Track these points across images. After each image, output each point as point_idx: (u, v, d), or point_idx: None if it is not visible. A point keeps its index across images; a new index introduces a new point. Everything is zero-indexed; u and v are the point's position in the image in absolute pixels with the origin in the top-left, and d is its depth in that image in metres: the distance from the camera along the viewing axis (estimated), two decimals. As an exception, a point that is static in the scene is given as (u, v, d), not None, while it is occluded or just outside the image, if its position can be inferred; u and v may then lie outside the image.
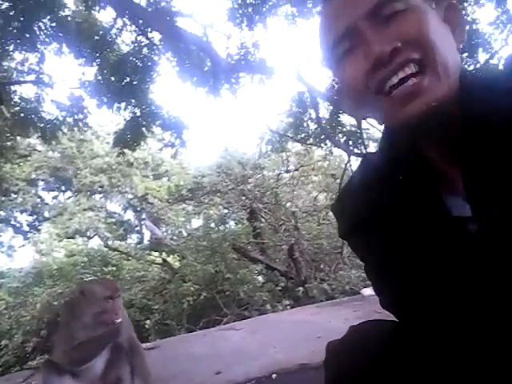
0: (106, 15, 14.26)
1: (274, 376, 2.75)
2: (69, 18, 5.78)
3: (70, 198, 15.75)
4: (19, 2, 5.00)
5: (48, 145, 9.10)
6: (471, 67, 5.09)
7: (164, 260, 10.53)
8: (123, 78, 6.07)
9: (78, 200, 14.59)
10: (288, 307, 7.59)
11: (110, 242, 13.71)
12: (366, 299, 5.18)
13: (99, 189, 14.67)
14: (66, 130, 6.64)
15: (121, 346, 2.28)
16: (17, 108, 6.24)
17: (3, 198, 12.96)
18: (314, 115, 7.28)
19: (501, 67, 0.72)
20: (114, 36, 6.10)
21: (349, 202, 0.88)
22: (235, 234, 10.67)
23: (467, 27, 4.83)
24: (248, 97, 19.04)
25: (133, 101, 6.33)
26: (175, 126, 6.57)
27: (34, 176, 14.43)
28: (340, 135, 7.29)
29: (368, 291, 5.35)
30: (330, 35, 0.71)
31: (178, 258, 10.49)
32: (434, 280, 0.70)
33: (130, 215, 16.63)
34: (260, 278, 9.08)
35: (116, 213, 16.31)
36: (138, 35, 6.11)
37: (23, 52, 5.70)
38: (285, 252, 9.73)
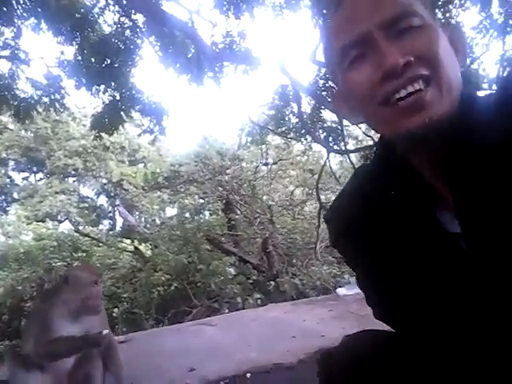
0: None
1: (248, 375, 2.74)
2: (49, -7, 5.54)
3: (41, 179, 15.42)
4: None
5: (21, 124, 8.85)
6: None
7: (136, 248, 10.39)
8: (104, 60, 5.90)
9: (50, 182, 14.29)
10: (259, 301, 7.59)
11: (81, 227, 13.45)
12: (340, 299, 5.22)
13: (73, 172, 14.38)
14: (41, 110, 6.41)
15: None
16: (-11, 83, 5.97)
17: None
18: (295, 109, 7.29)
19: (500, 89, 0.73)
20: (96, 15, 5.88)
21: (342, 212, 0.88)
22: (210, 225, 10.59)
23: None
24: (231, 87, 18.97)
25: (113, 84, 6.17)
26: (155, 112, 6.45)
27: (4, 155, 14.05)
28: (320, 131, 7.34)
29: (343, 291, 5.38)
30: (341, 39, 0.71)
31: (150, 247, 10.36)
32: (427, 295, 0.71)
33: (103, 200, 16.42)
34: (232, 271, 9.04)
35: (89, 197, 16.06)
36: (121, 16, 5.91)
37: (-2, 25, 5.45)
38: (258, 245, 9.74)
